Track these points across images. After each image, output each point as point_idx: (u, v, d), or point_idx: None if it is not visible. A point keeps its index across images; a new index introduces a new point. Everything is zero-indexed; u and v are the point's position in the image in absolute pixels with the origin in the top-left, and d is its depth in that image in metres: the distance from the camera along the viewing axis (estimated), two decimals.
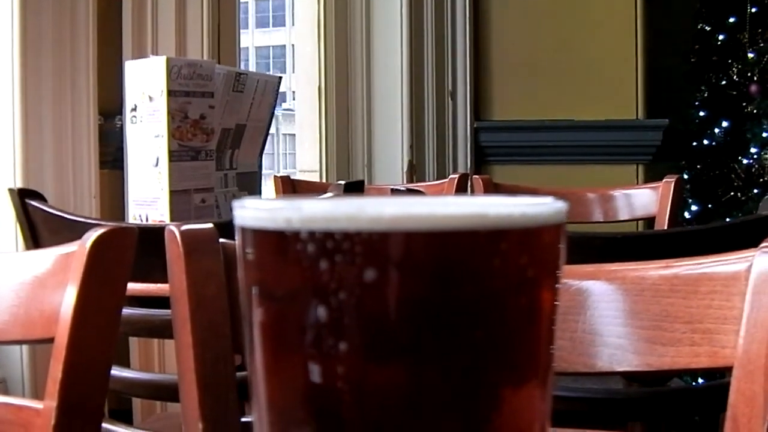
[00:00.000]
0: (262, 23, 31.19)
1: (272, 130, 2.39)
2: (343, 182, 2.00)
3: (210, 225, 0.99)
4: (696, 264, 0.89)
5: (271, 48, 31.18)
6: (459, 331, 0.36)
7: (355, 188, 2.02)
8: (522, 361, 0.38)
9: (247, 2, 28.87)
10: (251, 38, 29.44)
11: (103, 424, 1.49)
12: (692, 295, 0.87)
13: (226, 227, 0.98)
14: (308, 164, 3.72)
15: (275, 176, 2.89)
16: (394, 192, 2.21)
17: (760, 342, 0.82)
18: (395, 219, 0.35)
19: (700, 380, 3.31)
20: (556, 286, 0.39)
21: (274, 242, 0.37)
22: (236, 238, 0.39)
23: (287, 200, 0.37)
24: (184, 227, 0.96)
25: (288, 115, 23.12)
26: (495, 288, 0.36)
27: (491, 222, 0.36)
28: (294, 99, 4.31)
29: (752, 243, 0.86)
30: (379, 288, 0.35)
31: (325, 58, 3.65)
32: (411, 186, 3.11)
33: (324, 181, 3.58)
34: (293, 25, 4.63)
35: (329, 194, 1.83)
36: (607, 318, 0.91)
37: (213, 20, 2.73)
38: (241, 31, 3.16)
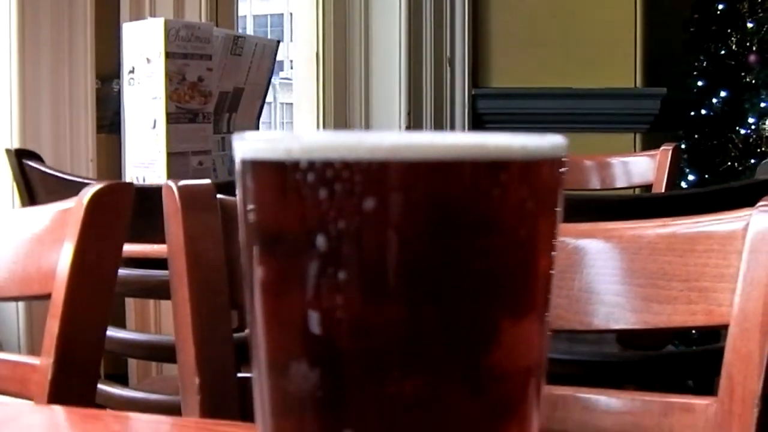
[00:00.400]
0: None
1: (269, 98, 2.38)
2: None
3: (207, 181, 0.99)
4: (693, 223, 0.89)
5: (269, 16, 31.05)
6: (458, 260, 0.36)
7: None
8: (521, 293, 0.38)
9: None
10: (249, 6, 29.28)
11: (99, 385, 1.50)
12: (689, 253, 0.88)
13: (224, 188, 0.98)
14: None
15: None
16: None
17: (756, 300, 0.82)
18: (394, 148, 0.35)
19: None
20: (556, 222, 0.39)
21: (274, 172, 0.37)
22: (236, 170, 0.39)
23: (286, 132, 0.37)
24: (182, 183, 0.96)
25: (285, 84, 22.97)
26: (494, 219, 0.36)
27: (491, 153, 0.36)
28: (291, 68, 4.29)
29: (749, 206, 0.86)
30: (379, 217, 0.35)
31: (323, 25, 3.64)
32: None
33: None
34: None
35: None
36: (604, 276, 0.91)
37: None
38: None
